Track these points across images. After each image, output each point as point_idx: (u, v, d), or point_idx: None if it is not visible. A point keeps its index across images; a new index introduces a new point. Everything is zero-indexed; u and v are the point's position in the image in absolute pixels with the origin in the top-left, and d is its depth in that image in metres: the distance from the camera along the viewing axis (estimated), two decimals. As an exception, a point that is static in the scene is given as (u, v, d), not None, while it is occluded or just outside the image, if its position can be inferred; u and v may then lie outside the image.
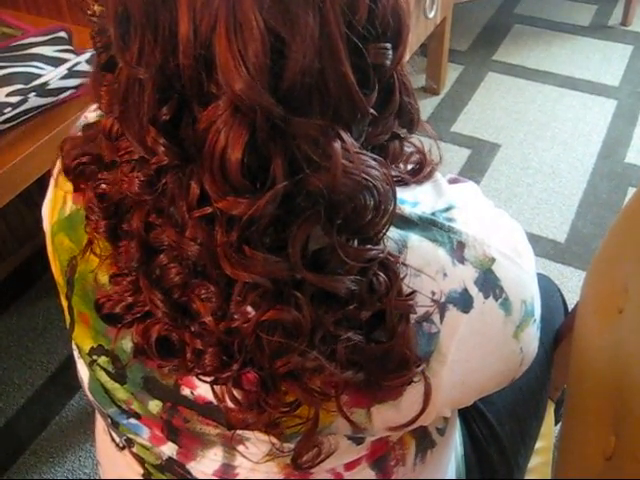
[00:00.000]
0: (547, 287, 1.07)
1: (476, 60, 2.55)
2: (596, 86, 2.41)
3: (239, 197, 0.41)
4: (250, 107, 0.39)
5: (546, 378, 0.95)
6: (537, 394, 0.93)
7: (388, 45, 0.44)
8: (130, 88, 0.43)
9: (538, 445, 0.97)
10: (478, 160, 2.12)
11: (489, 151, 2.15)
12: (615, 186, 2.01)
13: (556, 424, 1.06)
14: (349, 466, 0.58)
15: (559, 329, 1.01)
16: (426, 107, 2.31)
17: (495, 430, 0.86)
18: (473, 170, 2.08)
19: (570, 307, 1.07)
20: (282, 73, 0.39)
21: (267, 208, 0.41)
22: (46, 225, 0.61)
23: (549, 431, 1.01)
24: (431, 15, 1.97)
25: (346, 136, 0.42)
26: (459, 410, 0.76)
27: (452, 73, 2.47)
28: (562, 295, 1.08)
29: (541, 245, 1.85)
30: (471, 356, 0.53)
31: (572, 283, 1.74)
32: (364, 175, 0.42)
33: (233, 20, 0.38)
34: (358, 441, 0.56)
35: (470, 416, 0.85)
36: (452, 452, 0.74)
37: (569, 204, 1.97)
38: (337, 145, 0.41)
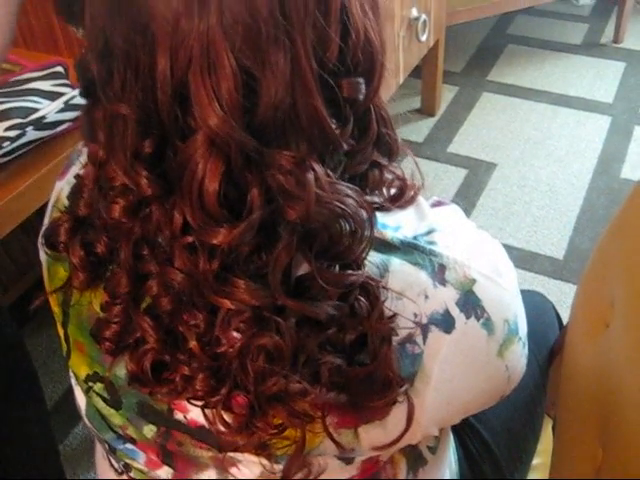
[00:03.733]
0: (541, 303, 1.08)
1: (471, 81, 2.58)
2: (590, 103, 2.43)
3: (218, 226, 0.43)
4: (225, 141, 0.41)
5: (541, 394, 0.96)
6: (532, 410, 0.94)
7: (360, 80, 0.46)
8: (114, 121, 0.45)
9: (535, 462, 0.97)
10: (475, 180, 2.13)
11: (486, 170, 2.17)
12: (612, 202, 2.02)
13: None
14: (341, 486, 0.59)
15: (553, 345, 1.01)
16: (422, 128, 2.34)
17: (490, 447, 0.86)
18: (470, 190, 2.09)
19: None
20: (255, 108, 0.41)
21: (244, 237, 0.43)
22: (42, 255, 0.63)
23: (546, 447, 1.00)
24: (423, 38, 2.00)
25: (319, 167, 0.44)
26: (453, 427, 0.76)
27: (447, 94, 2.49)
28: (556, 311, 1.09)
29: (539, 262, 1.86)
30: (455, 376, 0.54)
31: (571, 300, 1.74)
32: (337, 204, 0.44)
33: (206, 59, 0.40)
34: (348, 461, 0.57)
35: (464, 433, 0.86)
36: (446, 470, 0.75)
37: (566, 221, 1.98)
38: (310, 176, 0.43)
